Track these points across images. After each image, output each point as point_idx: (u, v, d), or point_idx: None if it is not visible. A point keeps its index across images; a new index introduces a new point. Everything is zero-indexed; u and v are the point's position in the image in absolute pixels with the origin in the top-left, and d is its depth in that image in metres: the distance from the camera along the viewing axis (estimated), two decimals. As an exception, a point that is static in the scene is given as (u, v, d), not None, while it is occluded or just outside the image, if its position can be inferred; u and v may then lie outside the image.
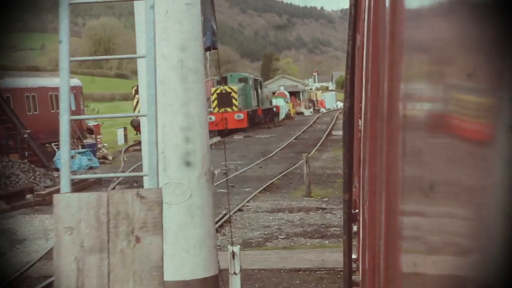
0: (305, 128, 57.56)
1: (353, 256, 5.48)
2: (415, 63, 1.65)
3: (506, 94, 0.86)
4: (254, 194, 24.02)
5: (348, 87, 4.68)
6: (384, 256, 2.36)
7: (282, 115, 69.05)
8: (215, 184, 24.02)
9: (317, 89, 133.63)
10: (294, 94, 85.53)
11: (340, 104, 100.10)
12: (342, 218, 5.61)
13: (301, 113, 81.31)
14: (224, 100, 55.58)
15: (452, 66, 1.14)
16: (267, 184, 26.00)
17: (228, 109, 55.70)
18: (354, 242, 5.71)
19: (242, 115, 55.34)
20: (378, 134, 2.96)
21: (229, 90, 55.59)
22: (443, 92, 1.21)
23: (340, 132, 51.58)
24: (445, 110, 1.18)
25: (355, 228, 5.84)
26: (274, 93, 75.28)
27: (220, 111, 55.65)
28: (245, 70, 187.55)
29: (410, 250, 1.67)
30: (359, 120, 6.48)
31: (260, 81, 62.75)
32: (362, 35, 5.68)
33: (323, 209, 21.10)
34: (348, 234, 4.81)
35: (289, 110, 73.49)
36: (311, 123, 64.43)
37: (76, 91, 40.52)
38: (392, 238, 2.15)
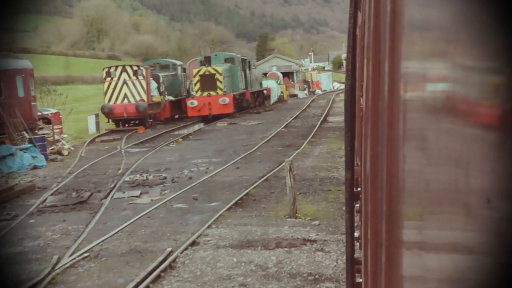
0: (297, 113, 50.85)
1: (356, 235, 5.31)
2: (416, 42, 1.63)
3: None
4: (220, 213, 17.38)
5: (350, 66, 4.60)
6: (386, 234, 2.39)
7: (273, 98, 62.24)
8: (172, 197, 17.04)
9: (313, 69, 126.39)
10: (288, 75, 78.39)
11: (337, 85, 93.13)
12: (344, 197, 5.00)
13: (295, 95, 74.34)
14: (208, 82, 48.86)
15: (455, 45, 1.11)
16: (241, 196, 19.35)
17: (212, 93, 49.03)
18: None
19: (227, 99, 48.63)
20: (379, 113, 2.96)
21: (213, 72, 48.85)
22: (445, 72, 1.19)
23: (337, 119, 44.91)
24: (447, 90, 1.17)
25: (357, 206, 5.67)
26: (265, 74, 68.40)
27: (203, 94, 49.01)
28: (240, 50, 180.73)
29: (411, 227, 1.67)
30: (361, 99, 6.16)
31: (249, 61, 55.91)
32: (364, 13, 5.46)
33: (313, 242, 14.46)
34: (350, 213, 4.77)
35: (281, 92, 66.69)
36: (304, 106, 57.69)
37: (24, 74, 33.73)
38: (394, 216, 2.16)
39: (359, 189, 6.05)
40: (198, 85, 49.07)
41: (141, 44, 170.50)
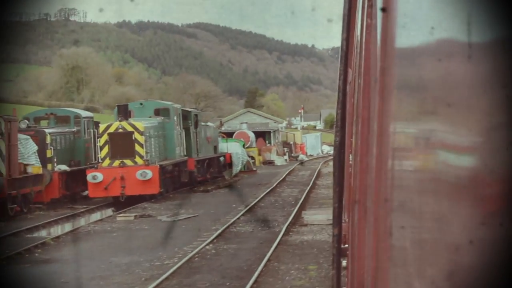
0: (262, 194, 31.53)
1: None
2: (405, 100, 1.63)
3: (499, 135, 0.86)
4: None
5: (339, 122, 4.61)
6: None
7: (237, 168, 42.67)
8: None
9: (303, 128, 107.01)
10: (263, 135, 58.76)
11: (327, 149, 73.92)
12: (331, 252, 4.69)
13: (271, 162, 54.99)
14: (121, 145, 29.61)
15: (442, 105, 1.11)
16: None
17: (128, 162, 29.78)
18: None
19: (149, 173, 29.31)
20: (369, 169, 2.91)
21: (129, 129, 29.63)
22: (432, 129, 1.19)
23: (319, 216, 25.19)
24: (435, 145, 1.16)
25: (344, 263, 5.46)
26: (227, 134, 48.94)
27: (114, 164, 29.77)
28: (230, 107, 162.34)
29: (399, 284, 1.64)
30: (350, 155, 5.98)
31: (195, 115, 36.48)
32: (354, 70, 5.65)
33: None
34: (337, 269, 4.69)
35: (251, 158, 47.49)
36: (276, 183, 38.39)
37: None
38: (381, 273, 2.10)
39: (346, 245, 5.60)
40: (106, 149, 29.82)
41: (122, 96, 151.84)
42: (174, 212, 26.71)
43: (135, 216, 25.34)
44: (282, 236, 19.74)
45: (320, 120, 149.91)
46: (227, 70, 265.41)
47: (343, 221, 5.46)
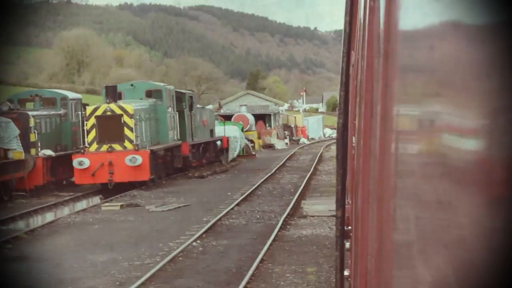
0: (260, 181, 29.55)
1: (346, 274, 5.17)
2: (408, 82, 1.62)
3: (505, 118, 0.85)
4: None
5: (342, 104, 4.50)
6: (375, 274, 2.36)
7: (233, 153, 40.56)
8: None
9: (305, 110, 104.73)
10: (263, 118, 56.37)
11: (329, 132, 71.75)
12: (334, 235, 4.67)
13: (271, 145, 52.80)
14: (109, 129, 27.63)
15: (444, 89, 1.12)
16: None
17: (116, 146, 27.83)
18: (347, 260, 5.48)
19: (139, 158, 27.35)
20: (372, 151, 2.96)
21: (118, 112, 27.64)
22: (437, 112, 1.18)
23: (320, 206, 22.95)
24: (439, 128, 1.16)
25: (347, 245, 5.46)
26: (225, 117, 46.75)
27: (102, 149, 27.82)
28: (232, 89, 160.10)
29: (402, 266, 1.65)
30: (353, 137, 6.06)
31: (190, 97, 34.35)
32: (357, 52, 5.59)
33: None
34: (340, 251, 4.63)
35: (251, 142, 45.41)
36: (277, 166, 36.40)
37: None
38: (384, 255, 2.11)
39: (349, 227, 5.66)
40: (93, 133, 27.80)
41: (123, 78, 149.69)
42: (164, 200, 24.75)
43: (121, 205, 23.36)
44: (279, 231, 17.75)
45: (322, 102, 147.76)
46: (229, 53, 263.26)
47: (346, 203, 5.35)
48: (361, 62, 4.28)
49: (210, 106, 50.83)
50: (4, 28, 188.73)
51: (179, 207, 23.02)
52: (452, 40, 1.05)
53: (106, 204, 23.76)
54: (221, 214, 20.54)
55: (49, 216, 22.72)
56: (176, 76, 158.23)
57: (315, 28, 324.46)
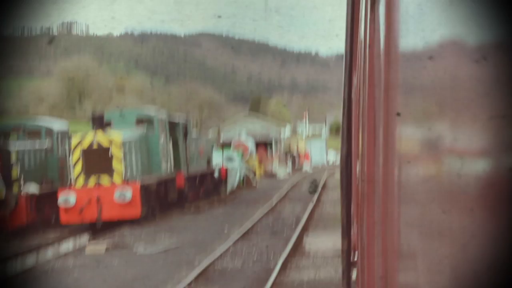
0: (260, 215, 27.52)
1: None
2: (410, 105, 1.61)
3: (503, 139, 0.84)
4: None
5: (345, 132, 4.59)
6: None
7: (231, 184, 38.42)
8: None
9: (308, 136, 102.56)
10: (264, 144, 54.25)
11: (333, 157, 69.79)
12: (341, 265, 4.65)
13: (273, 174, 50.60)
14: (97, 161, 25.75)
15: (446, 108, 1.11)
16: None
17: (104, 180, 25.93)
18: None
19: (128, 194, 25.39)
20: (375, 178, 2.90)
21: (105, 142, 25.74)
22: (438, 134, 1.18)
23: (326, 243, 20.81)
24: (440, 152, 1.15)
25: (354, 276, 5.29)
26: (223, 144, 44.55)
27: (89, 183, 25.93)
28: (234, 114, 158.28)
29: None
30: (357, 163, 5.82)
31: (185, 125, 32.41)
32: (358, 78, 5.52)
33: None
34: (347, 283, 4.55)
35: (252, 171, 43.36)
36: (278, 198, 34.36)
37: None
38: (390, 280, 2.09)
39: (356, 252, 5.53)
40: (79, 166, 25.89)
41: (124, 106, 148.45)
42: (155, 239, 22.76)
43: (107, 248, 21.35)
44: (277, 276, 15.73)
45: (325, 123, 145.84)
46: (230, 78, 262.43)
47: (351, 230, 5.00)
48: (363, 87, 4.14)
49: (210, 132, 49.02)
50: (5, 60, 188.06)
51: (170, 249, 21.00)
52: (453, 59, 1.02)
53: (91, 246, 21.75)
54: (215, 257, 18.52)
55: (29, 261, 20.73)
56: (178, 103, 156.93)
57: (316, 53, 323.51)
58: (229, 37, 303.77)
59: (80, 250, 21.58)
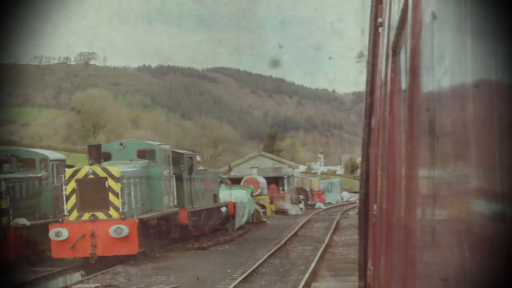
0: (267, 254, 25.48)
1: None
2: (433, 148, 1.56)
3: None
4: None
5: (364, 175, 4.45)
6: None
7: (240, 220, 36.50)
8: None
9: (323, 173, 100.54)
10: (275, 181, 52.36)
11: (347, 196, 67.69)
12: None
13: (284, 211, 48.73)
14: (92, 194, 23.87)
15: (470, 151, 1.05)
16: None
17: (100, 214, 23.99)
18: None
19: (125, 229, 23.47)
20: (395, 221, 2.79)
21: (102, 174, 23.86)
22: (459, 177, 1.14)
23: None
24: (463, 195, 1.11)
25: None
26: (233, 180, 42.54)
27: (83, 217, 24.00)
28: (248, 151, 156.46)
29: None
30: (374, 205, 5.74)
31: (190, 158, 30.51)
32: (377, 120, 5.29)
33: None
34: None
35: (262, 207, 41.37)
36: (289, 235, 32.28)
37: None
38: None
39: None
40: (73, 199, 24.02)
41: (138, 139, 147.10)
42: (151, 280, 20.77)
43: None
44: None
45: (340, 164, 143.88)
46: (247, 115, 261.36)
47: (368, 269, 5.07)
48: (383, 131, 4.04)
49: (222, 169, 47.25)
50: (21, 90, 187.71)
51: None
52: (473, 102, 0.99)
53: (78, 286, 19.76)
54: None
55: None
56: (192, 138, 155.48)
57: (333, 90, 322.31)
58: (246, 72, 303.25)
59: (67, 290, 19.62)
